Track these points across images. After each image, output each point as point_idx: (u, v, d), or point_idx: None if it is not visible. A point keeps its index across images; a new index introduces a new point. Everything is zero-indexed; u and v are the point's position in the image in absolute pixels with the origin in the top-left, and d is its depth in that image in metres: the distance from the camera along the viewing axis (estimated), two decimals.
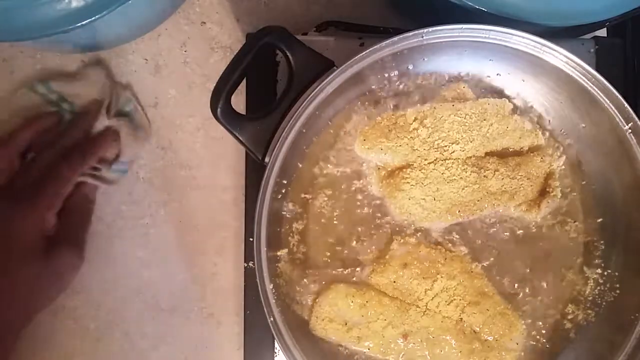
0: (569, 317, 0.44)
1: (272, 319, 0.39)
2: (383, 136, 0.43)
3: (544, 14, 0.39)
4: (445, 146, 0.43)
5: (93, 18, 0.36)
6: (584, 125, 0.44)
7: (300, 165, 0.43)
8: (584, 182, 0.45)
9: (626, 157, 0.42)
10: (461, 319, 0.43)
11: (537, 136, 0.44)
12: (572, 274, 0.44)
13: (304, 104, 0.39)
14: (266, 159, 0.40)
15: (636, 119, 0.40)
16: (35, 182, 0.44)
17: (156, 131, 0.51)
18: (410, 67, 0.43)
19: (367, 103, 0.44)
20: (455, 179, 0.43)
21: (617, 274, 0.43)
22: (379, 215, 0.44)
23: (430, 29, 0.39)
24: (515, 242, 0.44)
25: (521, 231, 0.44)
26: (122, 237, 0.51)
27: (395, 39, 0.39)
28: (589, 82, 0.40)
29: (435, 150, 0.43)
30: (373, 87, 0.44)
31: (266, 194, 0.40)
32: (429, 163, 0.43)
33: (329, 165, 0.44)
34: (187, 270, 0.51)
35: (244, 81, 0.44)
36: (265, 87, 0.47)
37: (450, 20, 0.39)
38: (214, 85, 0.40)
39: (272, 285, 0.40)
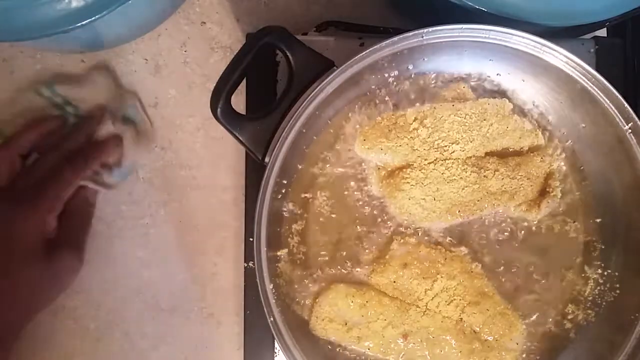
0: (569, 317, 0.44)
1: (272, 319, 0.39)
2: (383, 136, 0.43)
3: (544, 14, 0.39)
4: (445, 146, 0.43)
5: (93, 18, 0.36)
6: (584, 125, 0.44)
7: (300, 166, 0.43)
8: (584, 182, 0.45)
9: (626, 157, 0.42)
10: (461, 319, 0.43)
11: (537, 136, 0.44)
12: (572, 274, 0.44)
13: (304, 104, 0.39)
14: (266, 159, 0.40)
15: (636, 119, 0.40)
16: (36, 184, 0.44)
17: (156, 131, 0.51)
18: (410, 67, 0.43)
19: (367, 103, 0.44)
20: (455, 179, 0.43)
21: (617, 274, 0.43)
22: (379, 215, 0.44)
23: (430, 29, 0.39)
24: (515, 242, 0.44)
25: (521, 231, 0.44)
26: (122, 237, 0.51)
27: (395, 39, 0.39)
28: (589, 82, 0.40)
29: (435, 150, 0.43)
30: (373, 87, 0.44)
31: (266, 194, 0.40)
32: (429, 163, 0.43)
33: (328, 165, 0.44)
34: (187, 270, 0.51)
35: (244, 81, 0.44)
36: (265, 87, 0.47)
37: (450, 20, 0.39)
38: (214, 85, 0.40)
39: (272, 285, 0.40)
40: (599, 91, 0.40)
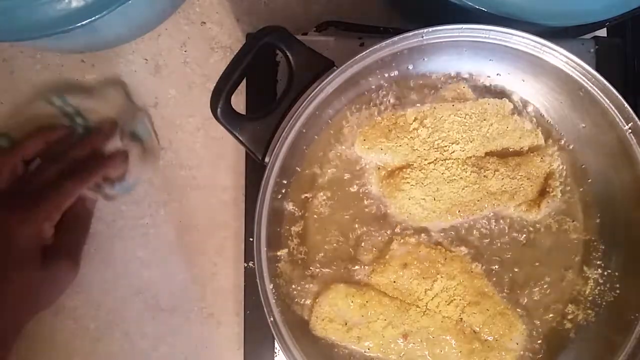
0: (569, 317, 0.44)
1: (272, 319, 0.39)
2: (383, 136, 0.43)
3: (544, 14, 0.39)
4: (445, 146, 0.43)
5: (93, 18, 0.36)
6: (584, 125, 0.44)
7: (300, 166, 0.43)
8: (584, 182, 0.45)
9: (626, 157, 0.42)
10: (461, 319, 0.43)
11: (537, 136, 0.44)
12: (572, 274, 0.44)
13: (304, 104, 0.39)
14: (266, 159, 0.40)
15: (636, 119, 0.40)
16: (37, 191, 0.44)
17: (156, 131, 0.51)
18: (410, 67, 0.43)
19: (367, 103, 0.44)
20: (455, 179, 0.43)
21: (617, 274, 0.43)
22: (379, 215, 0.44)
23: (430, 29, 0.39)
24: (515, 242, 0.44)
25: (521, 231, 0.44)
26: (122, 237, 0.51)
27: (395, 39, 0.39)
28: (589, 82, 0.40)
29: (435, 150, 0.43)
30: (373, 87, 0.44)
31: (266, 194, 0.40)
32: (429, 163, 0.43)
33: (328, 165, 0.44)
34: (187, 270, 0.51)
35: (244, 81, 0.44)
36: (265, 87, 0.47)
37: (450, 20, 0.39)
38: (214, 85, 0.40)
39: (272, 285, 0.40)
40: (599, 91, 0.40)
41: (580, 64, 0.40)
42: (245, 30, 0.52)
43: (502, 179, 0.43)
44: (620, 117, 0.41)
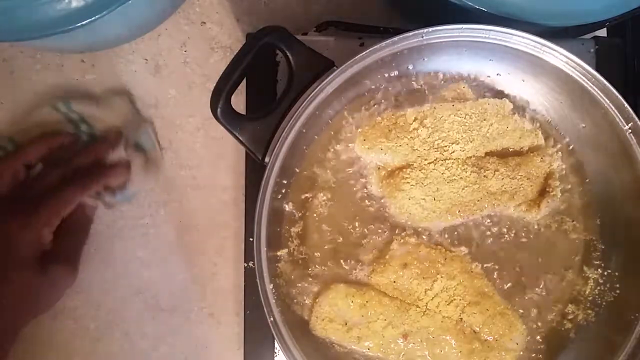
0: (569, 317, 0.44)
1: (272, 319, 0.39)
2: (383, 136, 0.43)
3: (544, 14, 0.39)
4: (445, 146, 0.43)
5: (93, 18, 0.36)
6: (584, 125, 0.44)
7: (300, 166, 0.43)
8: (584, 182, 0.45)
9: (626, 157, 0.42)
10: (461, 319, 0.43)
11: (537, 136, 0.44)
12: (572, 274, 0.44)
13: (304, 104, 0.39)
14: (266, 159, 0.40)
15: (636, 119, 0.40)
16: (38, 197, 0.45)
17: (156, 131, 0.51)
18: (410, 67, 0.43)
19: (367, 103, 0.44)
20: (455, 179, 0.43)
21: (617, 274, 0.43)
22: (379, 215, 0.44)
23: (430, 29, 0.39)
24: (515, 242, 0.44)
25: (521, 231, 0.44)
26: (122, 237, 0.51)
27: (395, 39, 0.39)
28: (589, 82, 0.40)
29: (435, 150, 0.43)
30: (373, 87, 0.44)
31: (266, 194, 0.40)
32: (429, 163, 0.43)
33: (328, 165, 0.44)
34: (187, 270, 0.51)
35: (244, 81, 0.44)
36: (265, 87, 0.47)
37: (450, 20, 0.39)
38: (214, 85, 0.40)
39: (272, 285, 0.40)
40: (599, 91, 0.40)
41: (580, 64, 0.40)
42: (245, 30, 0.52)
43: (502, 179, 0.43)
44: (620, 117, 0.41)
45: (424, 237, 0.44)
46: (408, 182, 0.43)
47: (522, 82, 0.44)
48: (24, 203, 0.44)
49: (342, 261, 0.43)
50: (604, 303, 0.43)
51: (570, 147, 0.45)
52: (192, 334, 0.51)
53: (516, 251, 0.44)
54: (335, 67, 0.40)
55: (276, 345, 0.46)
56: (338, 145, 0.44)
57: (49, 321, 0.50)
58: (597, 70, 0.40)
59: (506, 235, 0.44)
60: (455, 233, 0.44)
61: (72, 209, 0.46)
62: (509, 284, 0.44)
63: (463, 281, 0.43)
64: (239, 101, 0.47)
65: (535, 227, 0.44)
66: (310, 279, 0.43)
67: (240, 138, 0.40)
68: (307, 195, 0.44)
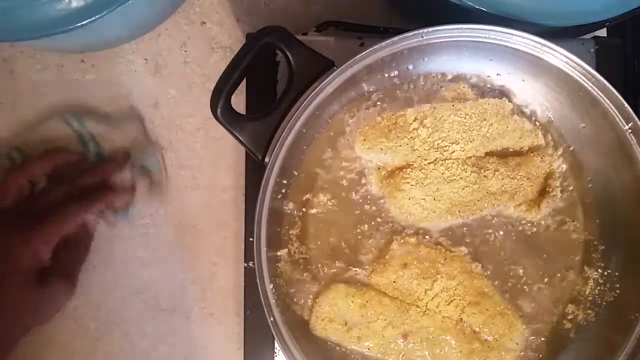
0: (569, 317, 0.44)
1: (272, 319, 0.39)
2: (383, 136, 0.43)
3: (544, 14, 0.39)
4: (445, 146, 0.43)
5: (93, 18, 0.36)
6: (584, 125, 0.44)
7: (300, 166, 0.43)
8: (584, 182, 0.45)
9: (626, 157, 0.42)
10: (461, 319, 0.43)
11: (537, 136, 0.44)
12: (572, 274, 0.44)
13: (304, 104, 0.39)
14: (266, 159, 0.40)
15: (636, 119, 0.40)
16: (42, 212, 0.45)
17: (156, 131, 0.51)
18: (410, 67, 0.43)
19: (367, 103, 0.44)
20: (455, 179, 0.43)
21: (617, 274, 0.43)
22: (379, 215, 0.44)
23: (430, 29, 0.39)
24: (515, 242, 0.44)
25: (521, 231, 0.44)
26: (122, 237, 0.51)
27: (395, 39, 0.39)
28: (589, 82, 0.40)
29: (435, 150, 0.43)
30: (373, 87, 0.44)
31: (266, 194, 0.40)
32: (429, 163, 0.43)
33: (328, 165, 0.44)
34: (187, 270, 0.51)
35: (244, 81, 0.44)
36: (265, 87, 0.47)
37: (450, 20, 0.39)
38: (214, 85, 0.40)
39: (272, 285, 0.40)
40: (599, 91, 0.40)
41: (580, 64, 0.40)
42: (245, 30, 0.52)
43: (502, 179, 0.43)
44: (620, 117, 0.41)
45: (424, 237, 0.44)
46: (408, 182, 0.43)
47: (522, 82, 0.44)
48: (28, 217, 0.44)
49: (342, 261, 0.43)
50: (604, 303, 0.43)
51: (570, 147, 0.45)
52: (192, 334, 0.51)
53: (516, 251, 0.44)
54: (335, 67, 0.40)
55: (276, 345, 0.46)
56: (338, 145, 0.44)
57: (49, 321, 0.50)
58: (597, 70, 0.40)
59: (506, 235, 0.44)
60: (455, 233, 0.44)
61: (74, 228, 0.46)
62: (509, 284, 0.44)
63: (463, 281, 0.43)
64: (239, 101, 0.47)
65: (535, 227, 0.44)
66: (310, 279, 0.43)
67: (240, 138, 0.40)
68: (307, 195, 0.44)
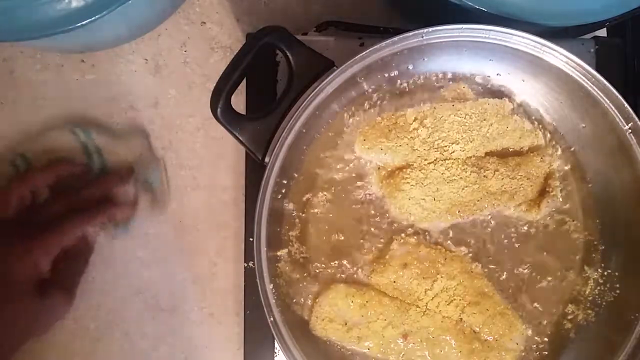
0: (569, 317, 0.44)
1: (272, 319, 0.39)
2: (383, 136, 0.43)
3: (544, 14, 0.39)
4: (445, 146, 0.43)
5: (93, 18, 0.36)
6: (584, 125, 0.44)
7: (301, 166, 0.43)
8: (584, 182, 0.45)
9: (626, 157, 0.42)
10: (461, 319, 0.43)
11: (537, 136, 0.44)
12: (572, 274, 0.44)
13: (304, 104, 0.39)
14: (266, 159, 0.40)
15: (636, 119, 0.40)
16: (44, 223, 0.45)
17: (156, 131, 0.51)
18: (410, 67, 0.43)
19: (367, 103, 0.44)
20: (455, 179, 0.43)
21: (617, 274, 0.43)
22: (379, 215, 0.44)
23: (430, 29, 0.39)
24: (515, 242, 0.44)
25: (521, 231, 0.44)
26: (122, 237, 0.51)
27: (395, 39, 0.39)
28: (589, 82, 0.40)
29: (435, 150, 0.43)
30: (373, 87, 0.44)
31: (266, 194, 0.40)
32: (429, 163, 0.43)
33: (328, 165, 0.44)
34: (187, 270, 0.51)
35: (244, 81, 0.44)
36: (265, 87, 0.47)
37: (450, 20, 0.39)
38: (214, 85, 0.40)
39: (272, 285, 0.40)
40: (599, 91, 0.40)
41: (580, 64, 0.40)
42: (245, 30, 0.52)
43: (502, 179, 0.43)
44: (620, 117, 0.41)
45: (424, 237, 0.44)
46: (408, 182, 0.43)
47: (522, 82, 0.44)
48: (29, 228, 0.44)
49: (342, 261, 0.43)
50: (604, 303, 0.43)
51: (571, 147, 0.45)
52: (192, 334, 0.51)
53: (516, 251, 0.44)
54: (335, 67, 0.40)
55: (276, 345, 0.46)
56: (338, 145, 0.44)
57: None
58: (597, 70, 0.40)
59: (506, 235, 0.44)
60: (455, 233, 0.44)
61: (75, 239, 0.46)
62: (509, 284, 0.44)
63: (463, 281, 0.43)
64: (239, 101, 0.47)
65: (535, 227, 0.44)
66: (310, 279, 0.43)
67: (240, 138, 0.40)
68: (307, 195, 0.44)
